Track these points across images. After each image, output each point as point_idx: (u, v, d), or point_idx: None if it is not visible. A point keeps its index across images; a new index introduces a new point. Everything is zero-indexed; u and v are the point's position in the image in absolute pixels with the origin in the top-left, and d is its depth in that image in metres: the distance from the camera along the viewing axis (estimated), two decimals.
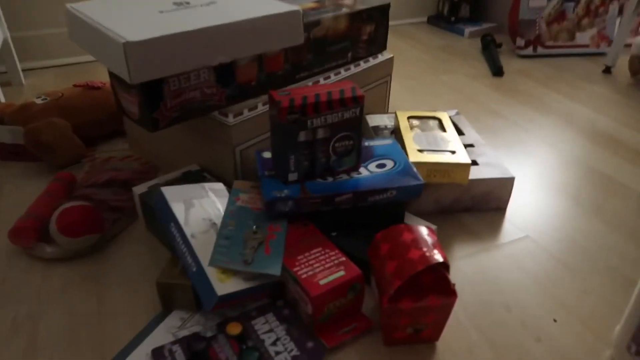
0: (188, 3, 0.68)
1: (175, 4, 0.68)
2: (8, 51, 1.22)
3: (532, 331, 0.60)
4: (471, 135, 0.90)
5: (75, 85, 0.98)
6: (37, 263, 0.69)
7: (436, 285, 0.54)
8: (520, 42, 1.48)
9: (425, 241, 0.55)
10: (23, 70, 1.33)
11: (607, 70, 1.39)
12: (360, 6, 0.90)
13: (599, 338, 0.59)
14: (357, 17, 0.89)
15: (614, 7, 1.46)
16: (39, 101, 0.91)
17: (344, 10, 0.87)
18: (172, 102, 0.66)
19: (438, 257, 0.53)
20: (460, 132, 0.91)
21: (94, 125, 0.95)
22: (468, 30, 1.67)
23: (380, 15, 0.93)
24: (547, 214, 0.81)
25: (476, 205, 0.80)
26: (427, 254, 0.53)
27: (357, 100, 0.64)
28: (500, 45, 1.51)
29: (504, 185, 0.79)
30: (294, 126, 0.62)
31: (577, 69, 1.42)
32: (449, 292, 0.54)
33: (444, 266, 0.55)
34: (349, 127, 0.66)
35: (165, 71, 0.60)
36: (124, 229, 0.76)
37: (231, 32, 0.63)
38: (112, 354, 0.56)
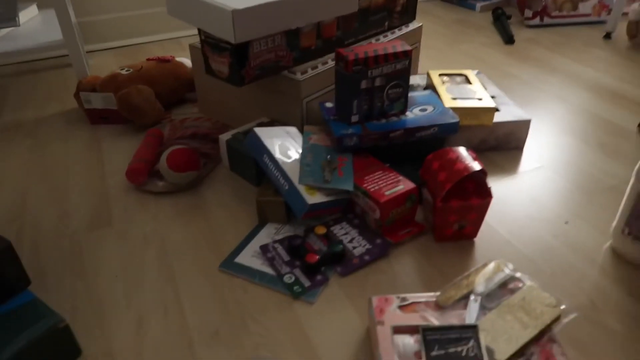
0: None
1: None
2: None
3: (549, 231, 0.77)
4: (492, 89, 1.06)
5: (148, 59, 1.14)
6: (149, 196, 0.86)
7: (476, 190, 0.71)
8: (528, 13, 1.63)
9: (467, 156, 0.71)
10: (86, 52, 1.49)
11: (608, 36, 1.54)
12: None
13: (602, 234, 0.76)
14: None
15: None
16: (124, 72, 1.07)
17: None
18: (254, 62, 0.82)
19: (477, 166, 0.69)
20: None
21: (170, 92, 1.12)
22: (479, 4, 1.82)
23: None
24: (559, 150, 0.97)
25: (500, 145, 0.96)
26: (469, 164, 0.69)
27: (407, 54, 0.80)
28: (510, 17, 1.66)
29: (522, 127, 0.95)
30: (358, 75, 0.78)
31: (581, 36, 1.57)
32: (487, 194, 0.70)
33: (483, 173, 0.71)
34: (400, 76, 0.82)
35: (259, 33, 0.76)
36: (211, 170, 0.93)
37: (306, 1, 0.79)
38: (227, 253, 0.73)
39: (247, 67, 0.82)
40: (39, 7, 1.31)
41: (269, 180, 0.80)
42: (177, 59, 1.21)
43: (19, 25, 1.18)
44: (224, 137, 0.89)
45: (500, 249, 0.73)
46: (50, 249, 0.75)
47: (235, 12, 0.71)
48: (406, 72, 0.82)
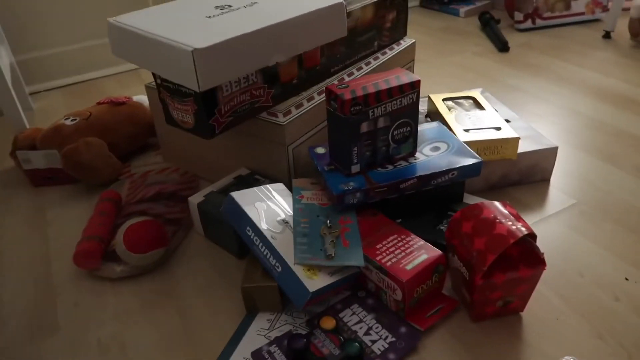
0: (230, 6, 0.68)
1: (217, 7, 0.68)
2: (15, 76, 1.19)
3: (608, 292, 0.62)
4: (504, 111, 0.91)
5: (99, 103, 0.97)
6: (105, 283, 0.69)
7: (523, 256, 0.55)
8: (519, 16, 1.51)
9: (507, 215, 0.56)
10: (30, 94, 1.30)
11: (607, 36, 1.42)
12: None
13: None
14: (382, 5, 0.89)
15: None
16: (68, 122, 0.89)
17: None
18: (226, 107, 0.66)
19: (524, 229, 0.54)
20: None
21: (127, 141, 0.94)
22: (463, 10, 1.69)
23: (400, 1, 0.94)
24: (590, 179, 0.83)
25: (523, 179, 0.82)
26: (514, 227, 0.54)
27: (414, 86, 0.65)
28: (499, 22, 1.53)
29: (548, 156, 0.80)
30: (357, 118, 0.62)
31: (577, 37, 1.45)
32: (538, 262, 0.55)
33: (530, 237, 0.56)
34: (407, 113, 0.66)
35: (228, 75, 0.60)
36: (183, 239, 0.76)
37: (286, 30, 0.63)
38: None
39: (217, 114, 0.65)
40: None
41: (254, 255, 0.63)
42: (135, 98, 1.04)
43: None
44: (194, 199, 0.72)
45: (555, 326, 0.58)
46: None
47: (198, 53, 0.55)
48: (415, 108, 0.66)
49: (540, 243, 0.70)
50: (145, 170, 0.92)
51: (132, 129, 0.94)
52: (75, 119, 0.90)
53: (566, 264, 0.66)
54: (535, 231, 0.72)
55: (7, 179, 0.94)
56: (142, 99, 1.03)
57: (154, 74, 0.69)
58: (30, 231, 0.80)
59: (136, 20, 0.64)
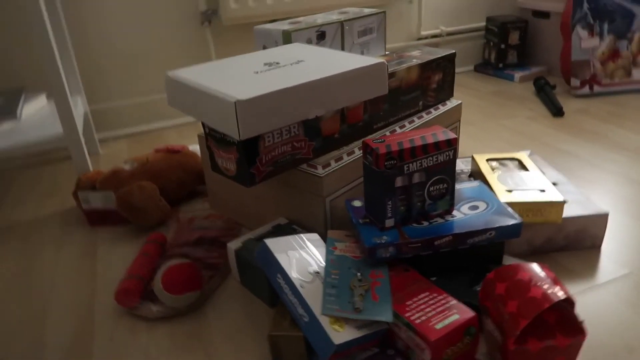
0: (278, 63, 0.72)
1: (266, 64, 0.72)
2: (87, 123, 1.30)
3: None
4: (551, 174, 0.89)
5: (156, 150, 1.03)
6: (141, 322, 0.71)
7: (561, 323, 0.52)
8: (576, 82, 1.49)
9: (544, 278, 0.53)
10: (99, 141, 1.41)
11: None
12: (429, 56, 0.93)
13: None
14: (427, 67, 0.91)
15: None
16: (127, 167, 0.96)
17: (415, 61, 0.90)
18: (267, 157, 0.69)
19: (561, 293, 0.51)
20: None
21: (177, 187, 0.99)
22: (518, 75, 1.69)
23: (447, 64, 0.96)
24: None
25: (570, 245, 0.78)
26: (550, 290, 0.51)
27: (451, 143, 0.65)
28: (554, 87, 1.52)
29: (598, 222, 0.77)
30: (391, 172, 0.63)
31: (638, 105, 1.40)
32: (577, 331, 0.51)
33: (568, 303, 0.53)
34: (443, 170, 0.66)
35: (269, 126, 0.63)
36: (219, 285, 0.77)
37: (325, 86, 0.66)
38: None
39: (258, 163, 0.68)
40: (49, 97, 1.25)
41: (283, 303, 0.64)
42: (191, 147, 1.10)
43: (18, 119, 1.10)
44: (233, 245, 0.74)
45: None
46: None
47: (240, 104, 0.58)
48: (451, 165, 0.66)
49: (586, 313, 0.66)
50: (192, 215, 0.96)
51: (182, 176, 0.99)
52: (133, 164, 0.97)
53: (613, 339, 0.62)
54: (582, 301, 0.68)
55: (68, 217, 1.01)
56: (197, 148, 1.09)
57: (202, 124, 0.73)
58: (80, 267, 0.85)
59: (190, 73, 0.69)
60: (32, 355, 0.66)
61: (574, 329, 0.52)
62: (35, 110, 1.17)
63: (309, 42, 0.91)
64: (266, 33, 0.90)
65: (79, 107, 1.18)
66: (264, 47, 0.93)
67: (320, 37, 0.92)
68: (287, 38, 0.88)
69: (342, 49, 0.97)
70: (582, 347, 0.60)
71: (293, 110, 0.64)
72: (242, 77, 0.67)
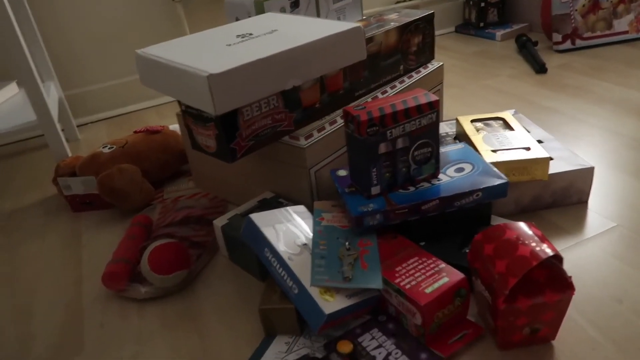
0: (251, 34, 0.70)
1: (239, 36, 0.70)
2: (63, 109, 1.27)
3: None
4: (536, 131, 0.88)
5: (135, 132, 1.01)
6: (131, 304, 0.70)
7: (550, 280, 0.52)
8: (557, 37, 1.47)
9: (531, 236, 0.53)
10: (77, 126, 1.38)
11: None
12: (407, 18, 0.91)
13: None
14: (406, 29, 0.89)
15: None
16: (105, 150, 0.93)
17: (393, 24, 0.88)
18: (246, 131, 0.67)
19: (549, 250, 0.51)
20: None
21: (159, 168, 0.97)
22: (499, 33, 1.67)
23: (426, 25, 0.94)
24: (631, 200, 0.78)
25: (557, 201, 0.78)
26: (537, 248, 0.51)
27: (433, 105, 0.64)
28: (536, 44, 1.50)
29: (584, 177, 0.77)
30: (374, 139, 0.62)
31: (621, 57, 1.39)
32: (565, 286, 0.52)
33: (556, 259, 0.53)
34: (427, 133, 0.65)
35: (245, 99, 0.61)
36: (207, 262, 0.77)
37: (301, 54, 0.64)
38: None
39: (238, 138, 0.67)
40: (20, 84, 1.21)
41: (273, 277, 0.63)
42: (171, 127, 1.08)
43: None
44: (219, 222, 0.73)
45: (590, 357, 0.54)
46: None
47: (212, 78, 0.56)
48: (434, 128, 0.65)
49: (575, 268, 0.66)
50: (177, 195, 0.95)
51: (164, 156, 0.97)
52: (112, 147, 0.94)
53: (603, 291, 0.62)
54: (571, 255, 0.68)
55: (50, 205, 0.99)
56: (177, 127, 1.07)
57: (178, 101, 0.71)
58: (65, 253, 0.83)
59: (160, 50, 0.67)
60: (22, 348, 0.65)
61: (562, 285, 0.52)
62: (6, 99, 1.13)
63: (283, 11, 0.88)
64: (238, 4, 0.87)
65: (52, 93, 1.14)
66: (237, 20, 0.90)
67: (294, 5, 0.89)
68: (259, 8, 0.85)
69: (318, 16, 0.94)
70: (571, 302, 0.61)
71: (269, 81, 0.62)
72: (214, 51, 0.64)
